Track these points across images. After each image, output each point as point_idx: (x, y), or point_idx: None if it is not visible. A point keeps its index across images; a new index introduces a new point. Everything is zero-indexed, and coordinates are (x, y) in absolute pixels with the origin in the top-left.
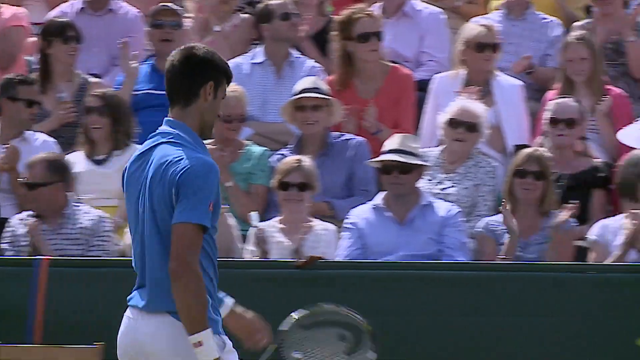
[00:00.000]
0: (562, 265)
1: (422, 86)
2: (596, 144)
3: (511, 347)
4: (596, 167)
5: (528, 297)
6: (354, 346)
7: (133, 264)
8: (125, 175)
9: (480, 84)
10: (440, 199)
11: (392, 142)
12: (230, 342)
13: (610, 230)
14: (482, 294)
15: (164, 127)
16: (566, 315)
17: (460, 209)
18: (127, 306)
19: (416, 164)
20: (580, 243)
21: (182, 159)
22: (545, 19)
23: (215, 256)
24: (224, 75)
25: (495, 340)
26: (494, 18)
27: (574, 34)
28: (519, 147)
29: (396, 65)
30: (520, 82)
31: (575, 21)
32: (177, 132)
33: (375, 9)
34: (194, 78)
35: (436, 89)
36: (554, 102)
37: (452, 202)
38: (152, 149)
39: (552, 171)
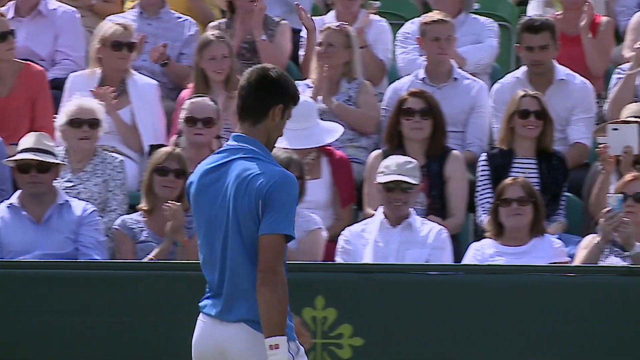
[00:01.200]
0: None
1: (58, 85)
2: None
3: (151, 348)
4: None
5: (169, 296)
6: None
7: (204, 272)
8: (194, 189)
9: (115, 83)
10: (73, 197)
11: (28, 140)
12: (302, 348)
13: None
14: (118, 293)
15: (232, 143)
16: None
17: (95, 208)
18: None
19: (53, 163)
20: None
21: (264, 172)
22: (180, 18)
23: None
24: (292, 98)
25: (136, 340)
26: (129, 17)
27: (213, 32)
28: (155, 147)
29: (28, 63)
30: (155, 82)
31: (211, 20)
32: (250, 146)
33: (8, 8)
34: (265, 99)
35: (71, 87)
36: (189, 101)
37: (85, 200)
38: (226, 164)
39: (189, 171)
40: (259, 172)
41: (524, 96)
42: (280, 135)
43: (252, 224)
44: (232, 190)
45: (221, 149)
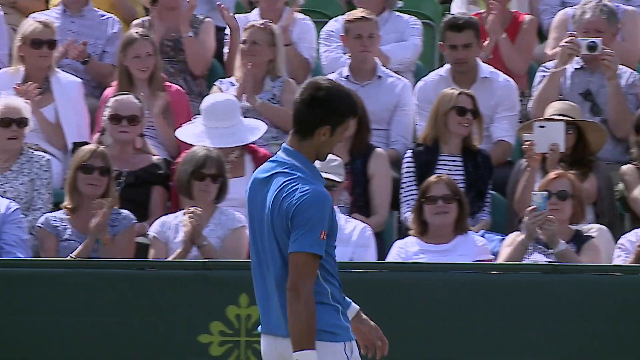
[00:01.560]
0: (128, 262)
1: None
2: (156, 141)
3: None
4: (156, 165)
5: (91, 294)
6: None
7: (255, 290)
8: (247, 197)
9: (39, 80)
10: None
11: None
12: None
13: (169, 227)
14: (43, 291)
15: (280, 154)
16: (124, 313)
17: (19, 206)
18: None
19: None
20: (141, 240)
21: (295, 190)
22: (103, 15)
23: (336, 269)
24: (346, 116)
25: (54, 339)
26: (52, 15)
27: (137, 30)
28: (79, 144)
29: None
30: (79, 80)
31: (135, 18)
32: (293, 161)
33: None
34: (312, 118)
35: None
36: (114, 98)
37: (10, 199)
38: (270, 178)
39: (113, 168)
40: (291, 190)
41: (460, 94)
42: (333, 147)
43: (288, 243)
44: (269, 209)
45: (272, 158)
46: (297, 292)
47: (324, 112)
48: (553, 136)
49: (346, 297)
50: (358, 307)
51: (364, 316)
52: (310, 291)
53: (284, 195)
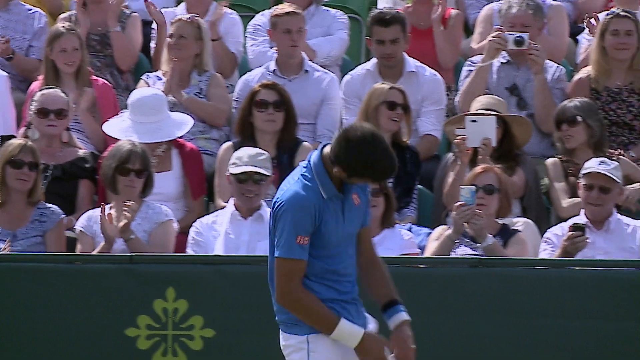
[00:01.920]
0: (55, 256)
1: None
2: (83, 135)
3: None
4: (83, 158)
5: (17, 288)
6: None
7: None
8: None
9: None
10: None
11: None
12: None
13: (96, 221)
14: None
15: (315, 152)
16: (51, 307)
17: None
18: None
19: None
20: (68, 234)
21: (282, 192)
22: (30, 10)
23: (328, 274)
24: (361, 177)
25: None
26: None
27: (64, 24)
28: (5, 138)
29: None
30: (5, 74)
31: (62, 12)
32: (310, 163)
33: None
34: (335, 156)
35: None
36: (41, 92)
37: None
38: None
39: (41, 162)
40: (280, 191)
41: (391, 88)
42: (353, 184)
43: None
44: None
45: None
46: (288, 296)
47: (344, 160)
48: (485, 131)
49: (398, 305)
50: (403, 319)
51: (406, 327)
52: (299, 289)
53: (276, 194)
